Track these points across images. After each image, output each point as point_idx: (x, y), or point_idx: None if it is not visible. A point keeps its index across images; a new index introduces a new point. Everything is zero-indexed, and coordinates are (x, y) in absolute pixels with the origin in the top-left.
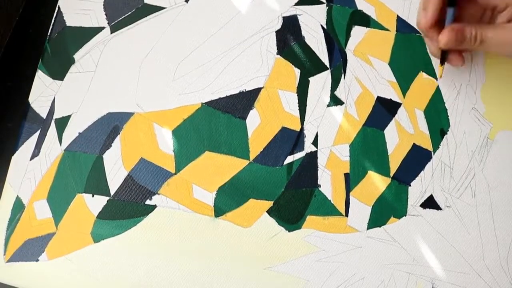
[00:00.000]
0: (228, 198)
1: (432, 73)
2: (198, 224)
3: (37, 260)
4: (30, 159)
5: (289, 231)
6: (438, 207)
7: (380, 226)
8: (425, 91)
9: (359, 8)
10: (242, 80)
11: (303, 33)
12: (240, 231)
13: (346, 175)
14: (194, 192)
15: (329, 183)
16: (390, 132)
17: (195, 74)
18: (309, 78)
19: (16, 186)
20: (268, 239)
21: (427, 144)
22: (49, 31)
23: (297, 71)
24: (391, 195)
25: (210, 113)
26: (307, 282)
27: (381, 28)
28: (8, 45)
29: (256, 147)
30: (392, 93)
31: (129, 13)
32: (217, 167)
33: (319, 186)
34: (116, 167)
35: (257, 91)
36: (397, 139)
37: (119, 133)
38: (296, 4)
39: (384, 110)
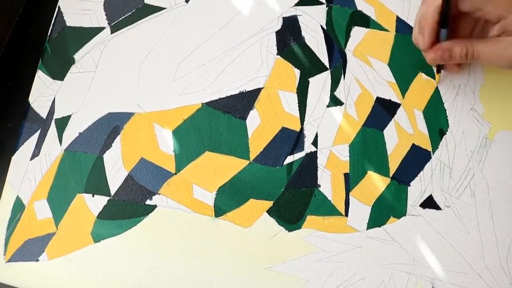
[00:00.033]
0: (228, 198)
1: (431, 73)
2: (198, 224)
3: (37, 260)
4: (30, 159)
5: (289, 231)
6: (437, 207)
7: (379, 226)
8: (424, 92)
9: (358, 8)
10: (242, 80)
11: (303, 33)
12: (240, 231)
13: (345, 175)
14: (194, 192)
15: (329, 183)
16: (390, 133)
17: (195, 75)
18: (309, 79)
19: (16, 186)
20: (268, 239)
21: (426, 144)
22: (49, 31)
23: (297, 72)
24: (391, 195)
25: (210, 113)
26: (307, 282)
27: (381, 28)
28: (8, 45)
29: (256, 147)
30: (391, 93)
31: (129, 13)
32: (217, 167)
33: (319, 186)
34: (117, 167)
35: (257, 91)
36: (397, 139)
37: (119, 133)
38: (296, 4)
39: (384, 110)
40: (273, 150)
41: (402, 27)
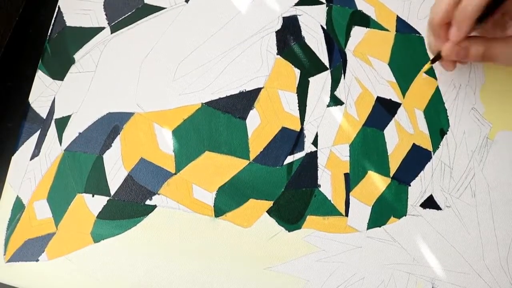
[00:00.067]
0: (228, 198)
1: (431, 73)
2: (198, 224)
3: (37, 260)
4: (30, 159)
5: (289, 231)
6: (438, 207)
7: (380, 226)
8: (424, 91)
9: (359, 8)
10: (242, 80)
11: (303, 33)
12: (240, 231)
13: (346, 175)
14: (194, 192)
15: (329, 183)
16: (390, 132)
17: (195, 74)
18: (309, 78)
19: (16, 186)
20: (268, 239)
21: (427, 144)
22: (49, 31)
23: (297, 71)
24: (391, 195)
25: (210, 113)
26: (307, 282)
27: (381, 28)
28: (8, 45)
29: (256, 147)
30: (391, 93)
31: (129, 13)
32: (217, 167)
33: (319, 186)
34: (116, 167)
35: (257, 91)
36: (397, 139)
37: (119, 133)
38: (296, 4)
39: (384, 110)
40: (273, 150)
41: (403, 27)
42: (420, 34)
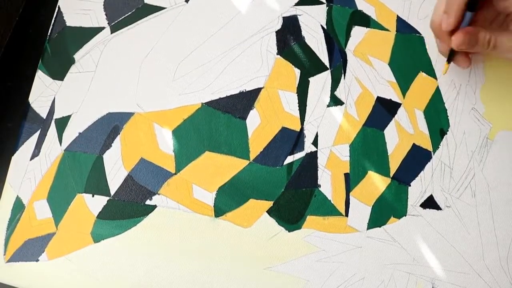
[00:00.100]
0: (228, 198)
1: (432, 73)
2: (198, 224)
3: (37, 260)
4: (30, 159)
5: (289, 231)
6: (438, 207)
7: (380, 226)
8: (425, 91)
9: (359, 8)
10: (242, 80)
11: (303, 33)
12: (240, 231)
13: (346, 175)
14: (194, 192)
15: (329, 183)
16: (390, 132)
17: (195, 74)
18: (309, 78)
19: (16, 186)
20: (268, 239)
21: (427, 144)
22: (49, 31)
23: (297, 71)
24: (391, 195)
25: (210, 113)
26: (307, 282)
27: (381, 28)
28: (8, 45)
29: (256, 147)
30: (392, 93)
31: (129, 13)
32: (217, 167)
33: (319, 186)
34: (116, 167)
35: (257, 91)
36: (397, 139)
37: (119, 133)
38: (296, 4)
39: (384, 110)
40: (273, 150)
41: (403, 27)
42: (420, 34)
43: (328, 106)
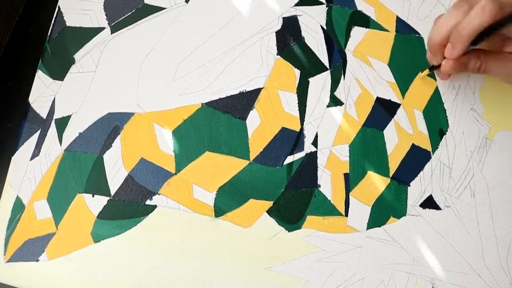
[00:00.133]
0: (228, 198)
1: (431, 74)
2: (198, 224)
3: (37, 260)
4: (30, 159)
5: (289, 231)
6: (437, 207)
7: (379, 226)
8: (424, 92)
9: (358, 8)
10: (242, 80)
11: (303, 33)
12: (240, 231)
13: (345, 175)
14: (194, 192)
15: (329, 183)
16: (390, 133)
17: (195, 75)
18: (309, 79)
19: (16, 186)
20: (268, 239)
21: (426, 145)
22: (49, 31)
23: (297, 72)
24: (391, 195)
25: (210, 114)
26: (307, 282)
27: (381, 28)
28: (8, 45)
29: (256, 147)
30: (391, 93)
31: (129, 13)
32: (217, 167)
33: (319, 186)
34: (117, 167)
35: (257, 91)
36: (396, 139)
37: (119, 133)
38: (296, 4)
39: (384, 110)
40: (273, 150)
41: (402, 27)
42: (420, 34)
43: (327, 106)
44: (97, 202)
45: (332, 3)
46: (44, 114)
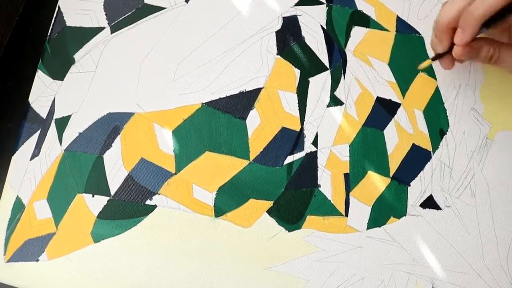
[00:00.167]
0: (228, 198)
1: (431, 73)
2: (198, 224)
3: (37, 260)
4: (30, 159)
5: (289, 231)
6: (437, 207)
7: (380, 226)
8: (424, 92)
9: (359, 8)
10: (242, 80)
11: (303, 33)
12: (240, 231)
13: (346, 175)
14: (194, 192)
15: (329, 183)
16: (390, 132)
17: (195, 74)
18: (309, 79)
19: (16, 186)
20: (268, 239)
21: (426, 144)
22: (49, 31)
23: (297, 72)
24: (391, 195)
25: (210, 113)
26: (307, 282)
27: (381, 28)
28: (8, 45)
29: (256, 147)
30: (391, 93)
31: (129, 13)
32: (217, 167)
33: (319, 186)
34: (117, 167)
35: (257, 91)
36: (397, 139)
37: (119, 133)
38: (296, 4)
39: (384, 110)
40: (273, 150)
41: (403, 27)
42: (420, 34)
43: (328, 106)
44: (97, 202)
45: (332, 3)
46: (44, 114)
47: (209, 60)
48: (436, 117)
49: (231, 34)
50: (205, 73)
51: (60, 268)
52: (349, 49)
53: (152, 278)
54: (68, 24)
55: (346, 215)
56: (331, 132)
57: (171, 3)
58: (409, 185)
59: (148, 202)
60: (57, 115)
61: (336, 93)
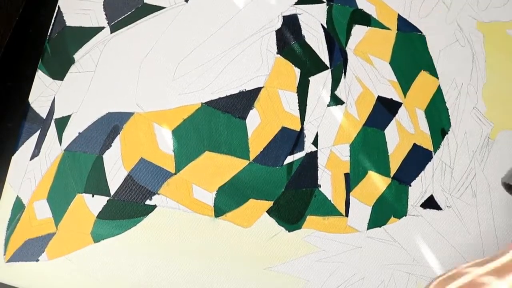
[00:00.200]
0: (228, 198)
1: (433, 72)
2: (198, 224)
3: (37, 260)
4: (30, 159)
5: (289, 231)
6: (438, 207)
7: (380, 226)
8: (426, 91)
9: (359, 7)
10: (242, 79)
11: (303, 32)
12: (240, 231)
13: (346, 175)
14: (194, 192)
15: (329, 183)
16: (391, 132)
17: (195, 74)
18: (309, 78)
19: (16, 186)
20: (268, 239)
21: (427, 144)
22: (49, 31)
23: (297, 71)
24: (391, 195)
25: (210, 113)
26: (307, 282)
27: (382, 27)
28: (8, 45)
29: (256, 147)
30: (392, 92)
31: (129, 13)
32: (217, 167)
33: (319, 186)
34: (116, 167)
35: (257, 90)
36: (398, 139)
37: (119, 133)
38: (296, 3)
39: (385, 109)
40: (273, 150)
41: (404, 26)
42: (421, 32)
43: (328, 105)
44: (97, 202)
45: (332, 2)
46: (44, 114)
47: (209, 59)
48: (438, 117)
49: (230, 33)
50: (205, 72)
51: (60, 268)
52: (350, 47)
53: (152, 278)
54: (68, 24)
55: (346, 215)
56: (332, 131)
57: (170, 2)
58: (410, 185)
59: (148, 202)
60: (57, 115)
61: (337, 92)
